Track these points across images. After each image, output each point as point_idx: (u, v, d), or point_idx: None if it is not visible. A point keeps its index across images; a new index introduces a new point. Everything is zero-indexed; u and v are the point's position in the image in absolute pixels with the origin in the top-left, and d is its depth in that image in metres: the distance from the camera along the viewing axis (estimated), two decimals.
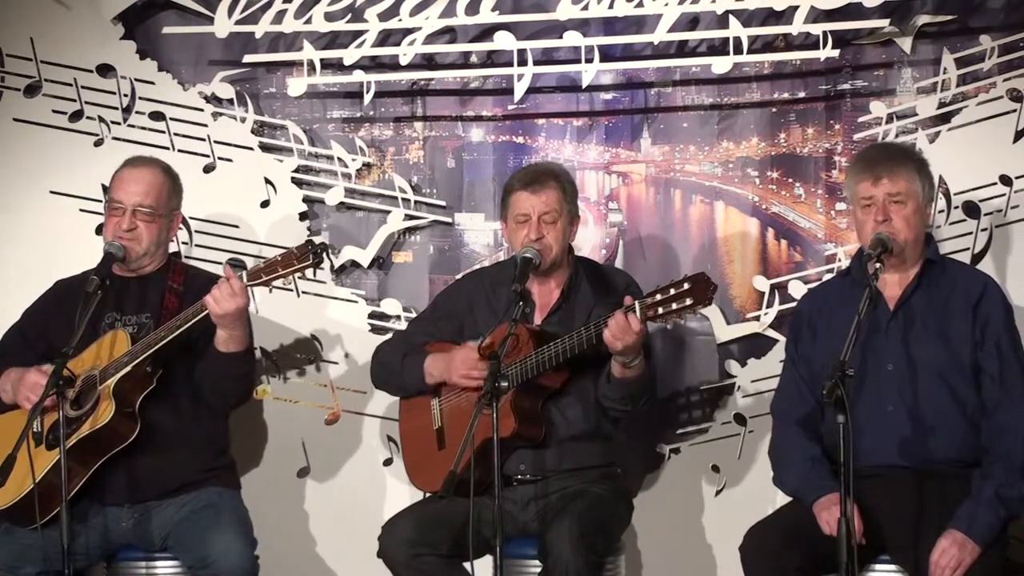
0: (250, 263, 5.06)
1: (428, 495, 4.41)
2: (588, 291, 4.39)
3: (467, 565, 4.12)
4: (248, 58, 5.12)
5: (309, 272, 4.18)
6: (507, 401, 4.15)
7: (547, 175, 4.37)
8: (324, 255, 4.10)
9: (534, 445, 4.26)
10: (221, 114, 5.15)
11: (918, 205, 4.07)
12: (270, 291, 4.04)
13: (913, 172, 4.08)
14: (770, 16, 4.84)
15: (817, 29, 4.77)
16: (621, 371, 4.13)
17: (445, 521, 4.09)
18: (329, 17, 5.04)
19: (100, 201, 5.11)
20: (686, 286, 3.89)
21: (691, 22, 4.88)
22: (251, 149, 5.15)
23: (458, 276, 4.90)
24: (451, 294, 4.61)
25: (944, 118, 4.77)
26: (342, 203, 5.11)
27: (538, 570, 4.14)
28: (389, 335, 4.87)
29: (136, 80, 5.16)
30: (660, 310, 3.92)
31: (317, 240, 4.20)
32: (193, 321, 4.15)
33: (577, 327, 4.15)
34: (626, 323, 3.95)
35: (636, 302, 3.96)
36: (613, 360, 4.11)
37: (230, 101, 5.14)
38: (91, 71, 5.18)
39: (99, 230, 5.09)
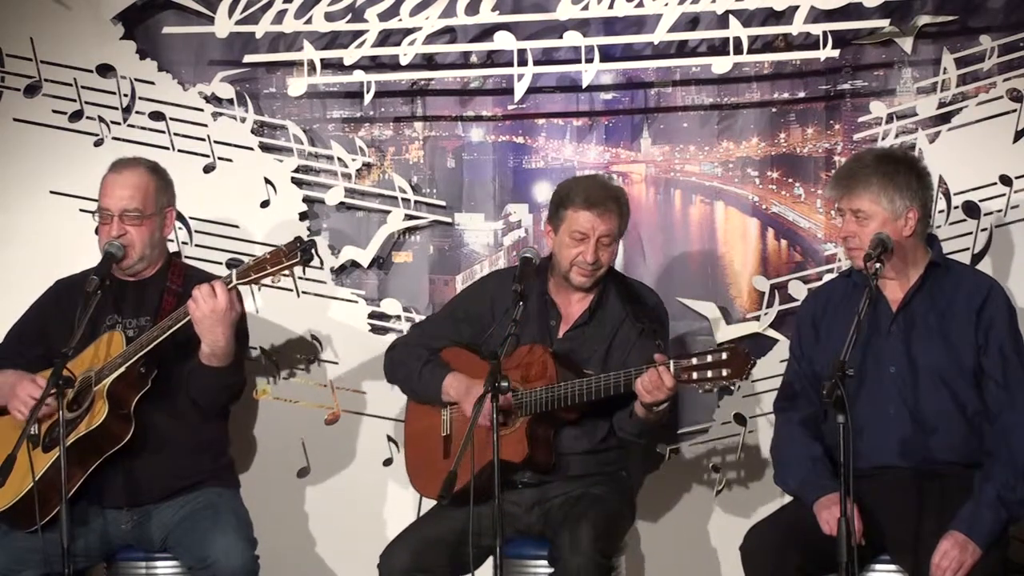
0: None
1: (423, 514, 4.38)
2: (616, 307, 4.34)
3: None
4: (248, 58, 5.12)
5: (299, 270, 4.12)
6: (522, 427, 4.15)
7: (612, 200, 4.27)
8: (313, 251, 4.05)
9: (543, 471, 4.23)
10: (221, 114, 5.14)
11: (884, 219, 4.00)
12: (259, 289, 3.98)
13: (875, 189, 3.99)
14: (770, 16, 4.84)
15: (817, 29, 4.77)
16: (645, 415, 4.10)
17: (443, 541, 4.08)
18: (329, 17, 5.04)
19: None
20: (724, 356, 3.85)
21: (691, 22, 4.88)
22: (251, 149, 5.14)
23: (459, 275, 4.89)
24: (474, 295, 4.52)
25: (944, 118, 4.77)
26: (342, 203, 5.10)
27: (539, 571, 4.14)
28: (389, 335, 4.86)
29: (136, 80, 5.16)
30: (695, 375, 3.88)
31: (310, 238, 4.16)
32: (183, 322, 4.11)
33: (599, 343, 4.15)
34: (659, 380, 3.91)
35: (671, 361, 3.91)
36: (639, 403, 4.06)
37: (230, 101, 5.14)
38: (91, 71, 5.17)
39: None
